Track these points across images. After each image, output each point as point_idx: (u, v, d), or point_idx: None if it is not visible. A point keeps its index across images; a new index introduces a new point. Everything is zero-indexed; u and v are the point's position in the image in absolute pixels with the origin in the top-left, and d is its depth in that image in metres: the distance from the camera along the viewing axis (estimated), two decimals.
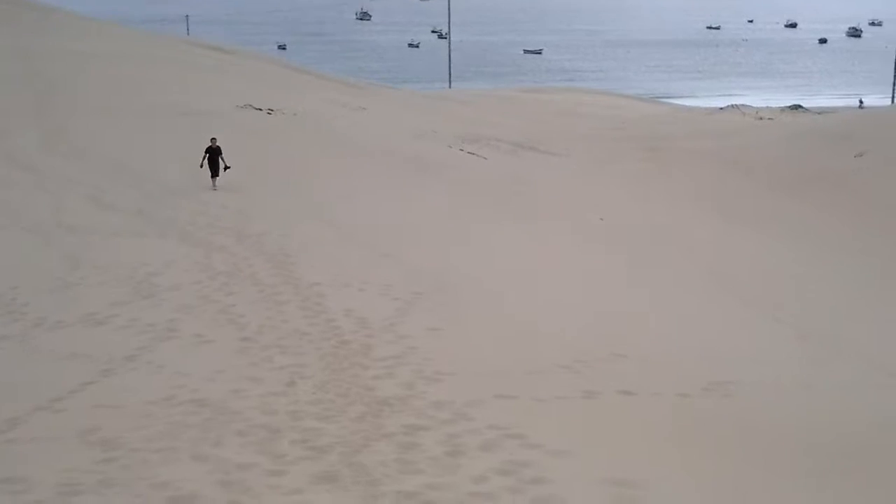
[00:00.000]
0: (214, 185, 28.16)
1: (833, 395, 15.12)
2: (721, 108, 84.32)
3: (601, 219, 33.34)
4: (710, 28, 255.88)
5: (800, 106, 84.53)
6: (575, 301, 20.05)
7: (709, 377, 14.77)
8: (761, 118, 72.39)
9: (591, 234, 30.71)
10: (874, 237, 34.48)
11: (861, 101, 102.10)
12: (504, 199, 34.63)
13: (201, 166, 28.27)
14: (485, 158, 43.92)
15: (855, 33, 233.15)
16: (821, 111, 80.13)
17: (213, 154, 28.21)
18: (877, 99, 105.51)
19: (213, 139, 28.56)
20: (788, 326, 21.21)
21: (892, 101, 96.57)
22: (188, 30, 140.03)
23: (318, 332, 15.61)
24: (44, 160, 30.95)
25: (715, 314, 21.57)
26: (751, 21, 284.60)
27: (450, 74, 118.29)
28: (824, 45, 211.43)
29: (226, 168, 28.29)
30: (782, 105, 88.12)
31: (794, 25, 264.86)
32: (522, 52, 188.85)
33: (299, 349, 14.72)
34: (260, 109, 44.79)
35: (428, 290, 18.69)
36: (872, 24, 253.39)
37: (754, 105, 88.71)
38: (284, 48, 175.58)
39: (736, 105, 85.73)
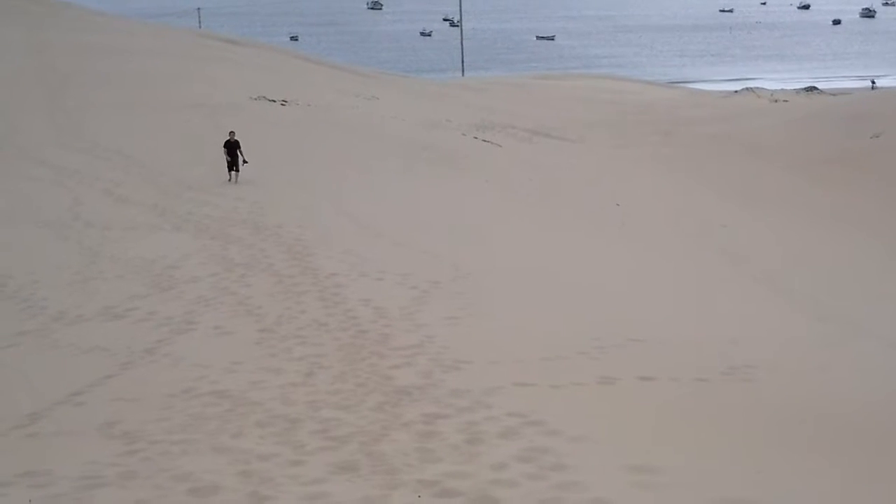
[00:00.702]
0: (232, 179, 27.95)
1: (853, 376, 15.09)
2: (736, 92, 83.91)
3: (617, 204, 33.28)
4: (722, 11, 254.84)
5: (815, 88, 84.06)
6: (591, 286, 20.02)
7: (728, 361, 14.73)
8: (776, 101, 72.06)
9: (607, 219, 30.65)
10: (892, 218, 34.30)
11: (873, 82, 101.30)
12: (519, 186, 34.60)
13: (228, 160, 28.07)
14: (499, 146, 43.87)
15: (868, 14, 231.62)
16: (836, 93, 79.68)
17: (232, 148, 27.99)
18: (893, 80, 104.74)
19: (231, 133, 28.36)
20: (807, 308, 21.15)
21: None
22: (200, 23, 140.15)
23: (336, 322, 15.64)
24: (59, 155, 31.05)
25: (732, 297, 21.52)
26: (763, 3, 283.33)
27: (462, 62, 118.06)
28: (838, 26, 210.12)
29: (244, 162, 28.03)
30: (797, 87, 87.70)
31: (806, 7, 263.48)
32: (535, 38, 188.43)
33: (318, 339, 14.74)
34: (273, 101, 44.83)
35: (445, 279, 18.69)
36: (886, 4, 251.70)
37: (769, 88, 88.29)
38: (296, 39, 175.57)
39: (751, 88, 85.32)
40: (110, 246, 20.79)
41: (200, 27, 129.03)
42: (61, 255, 20.15)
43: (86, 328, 15.53)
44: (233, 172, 27.98)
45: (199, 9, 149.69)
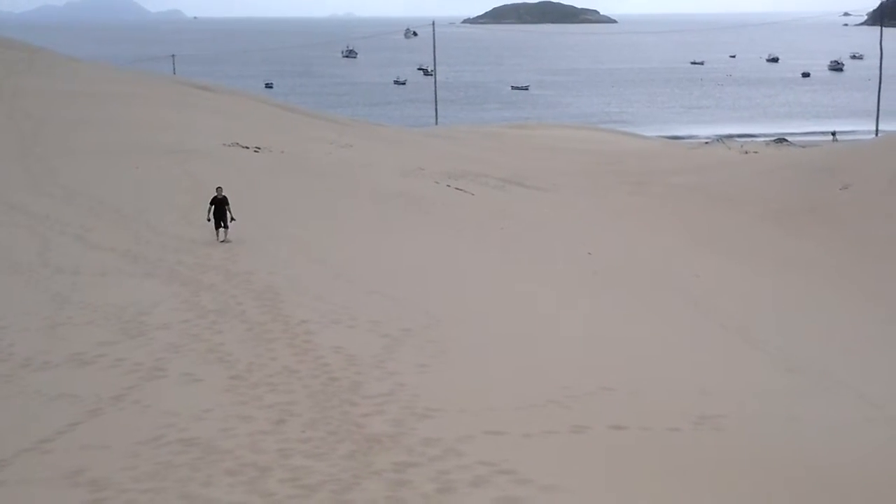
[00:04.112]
0: (219, 237, 26.54)
1: (823, 428, 15.13)
2: (707, 142, 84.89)
3: (589, 253, 33.41)
4: (694, 63, 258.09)
5: (784, 139, 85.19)
6: (563, 335, 20.05)
7: (698, 411, 14.77)
8: (746, 152, 72.86)
9: (578, 268, 30.75)
10: (861, 269, 34.61)
11: (834, 134, 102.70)
12: (491, 234, 34.69)
13: (209, 220, 26.71)
14: (472, 194, 44.02)
15: (837, 67, 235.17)
16: (805, 145, 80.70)
17: (220, 205, 26.65)
18: (863, 135, 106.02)
19: (218, 189, 27.07)
20: (776, 359, 21.24)
21: (876, 134, 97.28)
22: (174, 69, 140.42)
23: (307, 369, 15.57)
24: (31, 200, 30.90)
25: (703, 346, 21.60)
26: (733, 56, 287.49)
27: (436, 111, 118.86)
28: (807, 78, 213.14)
29: (231, 220, 26.72)
30: (767, 138, 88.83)
31: (775, 60, 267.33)
32: (510, 88, 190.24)
33: (288, 387, 14.67)
34: (247, 147, 44.84)
35: (416, 327, 18.68)
36: (854, 57, 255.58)
37: (740, 139, 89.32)
38: (271, 86, 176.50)
39: (721, 139, 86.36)
40: (80, 292, 20.64)
41: (175, 73, 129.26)
42: (30, 300, 19.97)
43: (54, 375, 15.38)
44: (220, 230, 26.64)
45: (173, 55, 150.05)
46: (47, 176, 35.01)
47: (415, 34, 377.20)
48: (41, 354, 16.37)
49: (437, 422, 13.24)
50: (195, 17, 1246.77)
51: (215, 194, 27.00)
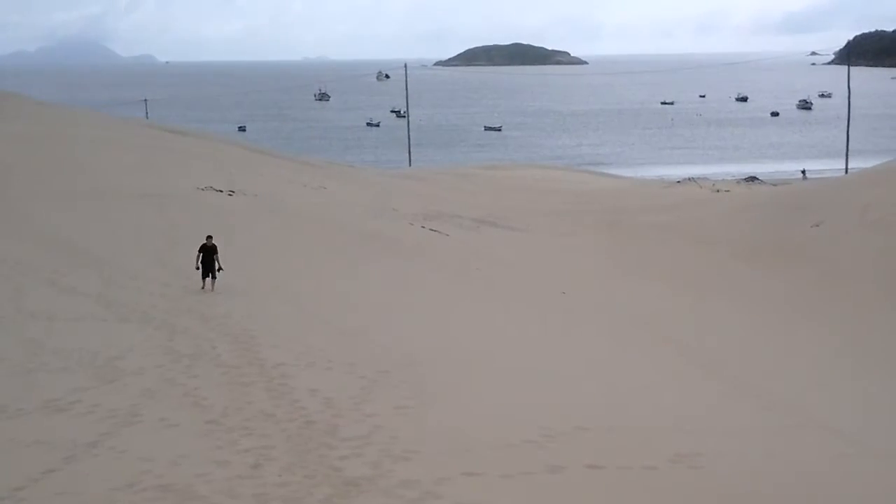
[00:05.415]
0: (205, 286, 26.02)
1: (799, 465, 15.19)
2: (678, 182, 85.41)
3: (563, 293, 33.53)
4: (664, 103, 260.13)
5: (755, 178, 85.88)
6: (538, 375, 20.08)
7: (675, 448, 14.80)
8: (718, 190, 73.36)
9: (553, 308, 30.85)
10: (833, 305, 34.82)
11: (804, 172, 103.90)
12: (466, 275, 34.77)
13: (197, 268, 26.15)
14: (446, 235, 44.15)
15: (805, 106, 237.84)
16: (776, 182, 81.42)
17: (208, 253, 26.09)
18: (832, 173, 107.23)
19: (208, 237, 26.44)
20: (751, 396, 21.33)
21: (846, 171, 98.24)
22: (147, 113, 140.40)
23: (283, 412, 15.51)
24: (2, 245, 30.72)
25: (678, 384, 21.67)
26: (703, 96, 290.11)
27: (409, 152, 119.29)
28: (777, 117, 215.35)
29: (219, 269, 26.11)
30: (738, 177, 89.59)
31: (744, 99, 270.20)
32: (483, 129, 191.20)
33: (265, 431, 14.60)
34: (221, 191, 44.84)
35: (393, 368, 18.67)
36: (822, 96, 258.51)
37: (711, 178, 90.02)
38: (244, 129, 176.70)
39: (693, 178, 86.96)
40: (54, 337, 20.50)
41: (148, 117, 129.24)
42: (3, 346, 19.80)
43: (27, 422, 15.23)
44: (207, 280, 26.10)
45: (145, 99, 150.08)
46: (19, 221, 34.83)
47: (387, 77, 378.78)
48: (15, 401, 16.21)
49: (415, 464, 13.21)
50: (167, 62, 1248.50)
51: (204, 242, 26.42)
